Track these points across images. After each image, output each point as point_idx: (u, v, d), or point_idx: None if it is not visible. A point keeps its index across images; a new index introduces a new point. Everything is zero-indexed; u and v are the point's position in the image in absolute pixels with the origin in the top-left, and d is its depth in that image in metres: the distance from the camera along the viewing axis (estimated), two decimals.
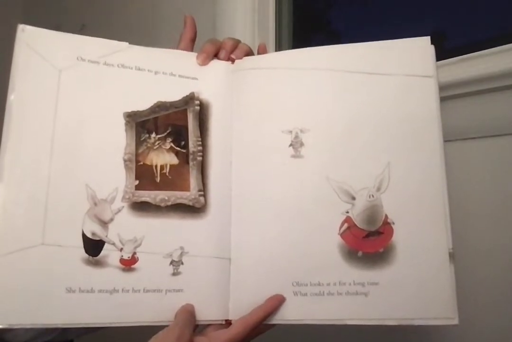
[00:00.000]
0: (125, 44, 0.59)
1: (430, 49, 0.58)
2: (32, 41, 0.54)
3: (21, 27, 0.55)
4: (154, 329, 0.51)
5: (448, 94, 0.75)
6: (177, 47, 0.65)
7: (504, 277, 0.72)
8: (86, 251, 0.52)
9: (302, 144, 0.58)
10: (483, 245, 0.73)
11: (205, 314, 0.55)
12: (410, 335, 0.77)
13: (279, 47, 1.11)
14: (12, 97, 0.52)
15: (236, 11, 1.06)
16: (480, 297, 0.72)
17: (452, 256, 0.54)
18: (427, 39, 0.58)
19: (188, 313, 0.53)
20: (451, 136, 0.74)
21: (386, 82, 0.58)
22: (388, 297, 0.54)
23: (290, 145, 0.58)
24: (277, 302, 0.55)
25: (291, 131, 0.59)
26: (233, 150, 0.60)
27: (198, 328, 0.55)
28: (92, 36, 0.58)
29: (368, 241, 0.56)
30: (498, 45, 0.75)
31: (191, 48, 0.65)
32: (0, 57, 1.57)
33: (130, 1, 1.35)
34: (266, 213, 0.58)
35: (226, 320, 0.56)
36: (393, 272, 0.55)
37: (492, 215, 0.74)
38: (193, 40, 0.65)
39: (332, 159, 0.58)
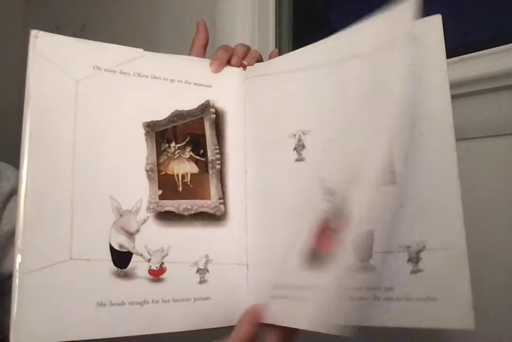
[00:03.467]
0: (140, 51, 0.59)
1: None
2: (47, 50, 0.53)
3: (34, 33, 0.53)
4: None
5: None
6: (189, 52, 0.65)
7: (506, 278, 0.72)
8: (115, 264, 0.52)
9: (303, 147, 0.58)
10: (484, 245, 0.74)
11: (228, 319, 0.56)
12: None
13: (279, 47, 1.11)
14: (29, 109, 0.52)
15: (236, 11, 1.06)
16: (484, 299, 0.72)
17: None
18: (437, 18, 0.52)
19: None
20: None
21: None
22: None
23: (295, 149, 0.58)
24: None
25: (295, 135, 0.58)
26: (248, 157, 0.61)
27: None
28: (92, 36, 0.57)
29: None
30: (498, 45, 0.75)
31: (203, 54, 0.66)
32: (1, 56, 1.57)
33: (130, 2, 1.34)
34: (277, 219, 0.58)
35: None
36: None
37: (492, 215, 0.74)
38: (205, 46, 0.66)
39: (327, 160, 0.55)
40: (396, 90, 0.49)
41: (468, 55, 0.78)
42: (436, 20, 0.53)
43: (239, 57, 0.64)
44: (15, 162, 0.52)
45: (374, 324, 0.52)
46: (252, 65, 0.64)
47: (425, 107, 0.53)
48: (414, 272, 0.50)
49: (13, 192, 0.69)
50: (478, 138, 0.77)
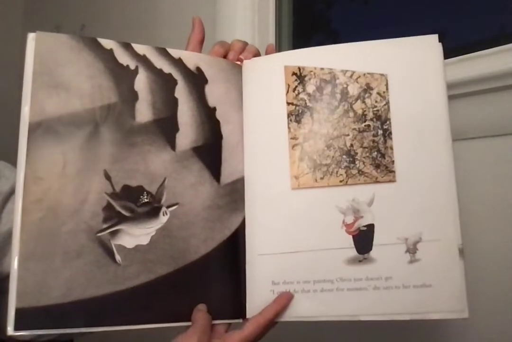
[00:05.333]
0: None
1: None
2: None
3: (31, 36, 0.53)
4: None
5: (448, 94, 0.76)
6: (185, 49, 0.65)
7: (506, 276, 0.73)
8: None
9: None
10: (483, 244, 0.74)
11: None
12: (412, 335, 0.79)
13: (279, 47, 1.12)
14: (26, 110, 0.53)
15: (236, 11, 1.06)
16: (484, 296, 0.73)
17: (461, 251, 0.54)
18: (434, 37, 0.58)
19: (205, 318, 0.54)
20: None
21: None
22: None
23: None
24: (286, 300, 0.56)
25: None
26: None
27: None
28: (92, 36, 0.57)
29: None
30: (498, 45, 0.75)
31: (199, 50, 0.65)
32: (1, 56, 1.57)
33: (130, 1, 1.35)
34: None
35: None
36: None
37: (492, 215, 0.75)
38: (201, 42, 0.66)
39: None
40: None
41: (468, 55, 0.78)
42: (433, 38, 0.58)
43: (236, 52, 0.64)
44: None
45: (375, 312, 0.55)
46: (249, 59, 0.64)
47: (423, 108, 0.57)
48: (412, 261, 0.55)
49: (12, 192, 0.68)
50: (478, 138, 0.77)
